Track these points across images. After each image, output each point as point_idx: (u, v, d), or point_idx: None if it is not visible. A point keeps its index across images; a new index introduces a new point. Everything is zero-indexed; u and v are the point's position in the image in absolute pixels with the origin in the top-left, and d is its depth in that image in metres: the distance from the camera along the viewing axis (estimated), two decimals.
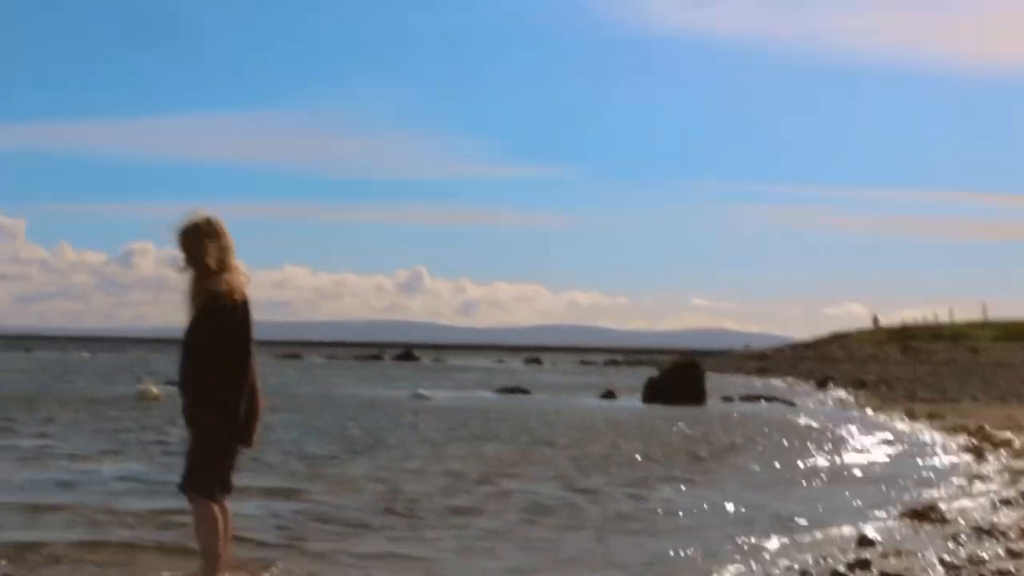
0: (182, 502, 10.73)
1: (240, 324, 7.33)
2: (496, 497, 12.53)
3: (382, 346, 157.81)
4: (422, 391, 35.59)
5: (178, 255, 7.44)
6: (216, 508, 7.45)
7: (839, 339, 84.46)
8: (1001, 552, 8.97)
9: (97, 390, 34.21)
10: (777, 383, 51.26)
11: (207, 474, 7.44)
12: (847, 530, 10.44)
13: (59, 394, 31.36)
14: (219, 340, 7.28)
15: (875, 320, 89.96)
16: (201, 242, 7.37)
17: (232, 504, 10.15)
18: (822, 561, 8.84)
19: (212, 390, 7.30)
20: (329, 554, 9.10)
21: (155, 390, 29.64)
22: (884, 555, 8.96)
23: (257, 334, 7.47)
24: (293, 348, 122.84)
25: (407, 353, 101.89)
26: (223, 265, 7.36)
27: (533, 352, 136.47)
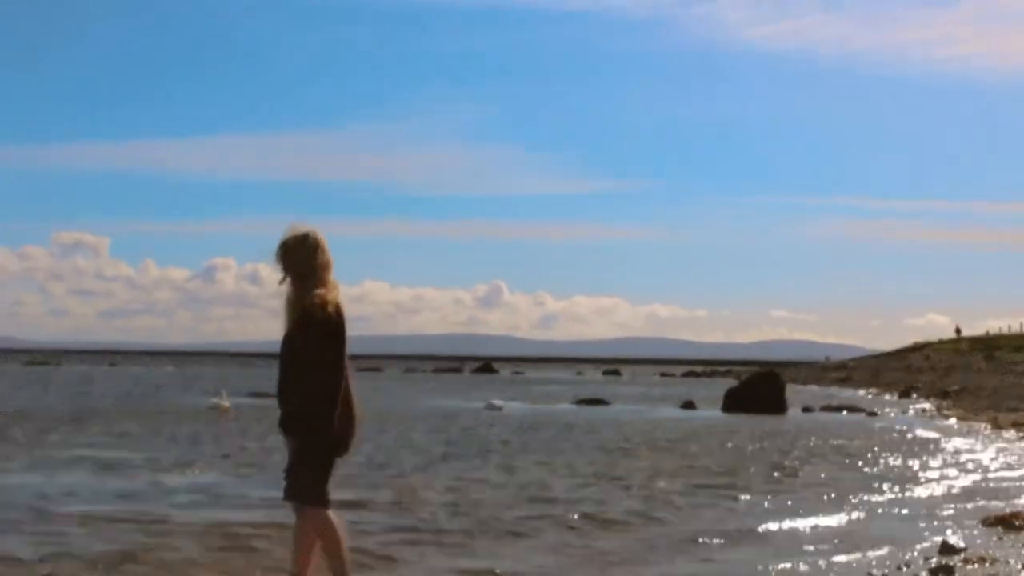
0: (241, 514, 10.82)
1: (334, 337, 7.31)
2: (560, 507, 12.34)
3: (462, 359, 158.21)
4: (495, 402, 35.54)
5: (278, 268, 7.43)
6: (333, 515, 7.47)
7: (921, 349, 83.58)
8: None
9: (173, 403, 34.70)
10: (859, 394, 50.77)
11: (319, 484, 7.43)
12: (930, 537, 10.32)
13: (137, 407, 31.85)
14: (314, 353, 7.28)
15: (957, 330, 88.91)
16: (300, 256, 7.38)
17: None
18: (904, 568, 8.76)
19: (308, 402, 7.30)
20: (393, 567, 9.03)
21: (226, 404, 29.97)
22: (967, 561, 8.86)
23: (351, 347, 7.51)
24: (373, 361, 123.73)
25: (486, 366, 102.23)
26: (321, 280, 7.36)
27: (612, 364, 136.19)
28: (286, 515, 10.77)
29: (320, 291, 7.33)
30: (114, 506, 11.89)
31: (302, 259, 7.37)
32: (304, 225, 7.53)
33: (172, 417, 26.96)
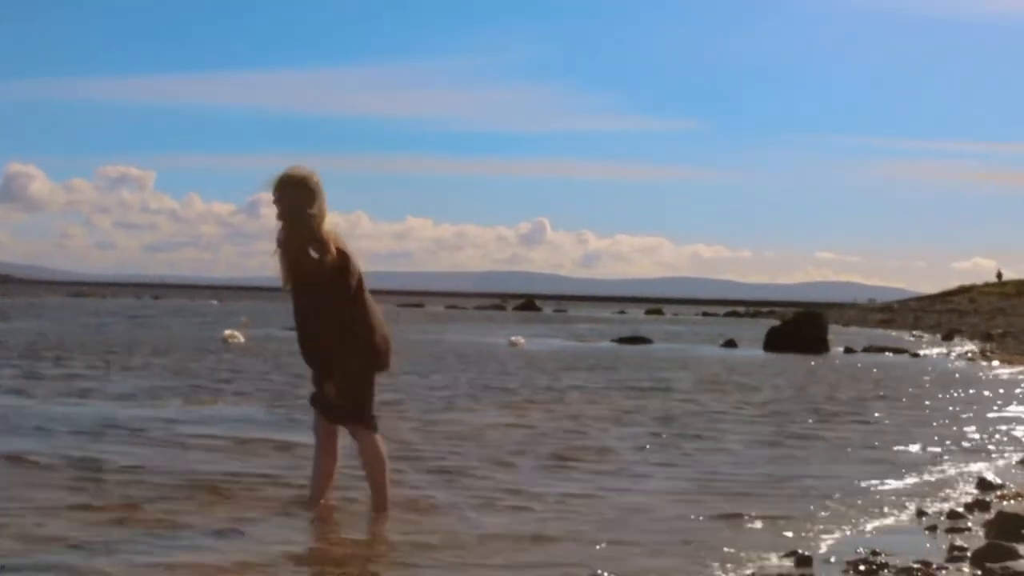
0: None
1: (338, 276, 7.43)
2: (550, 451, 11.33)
3: (504, 296, 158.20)
4: (514, 338, 35.40)
5: (276, 208, 7.49)
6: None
7: (966, 292, 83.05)
8: None
9: (192, 335, 34.99)
10: (902, 335, 50.48)
11: (370, 407, 7.66)
12: (967, 474, 10.29)
13: (153, 338, 32.07)
14: (333, 298, 7.44)
15: (999, 274, 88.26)
16: (299, 197, 7.43)
17: (268, 458, 10.17)
18: (941, 502, 8.74)
19: (329, 339, 7.50)
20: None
21: (238, 336, 29.93)
22: (1003, 497, 8.81)
23: (366, 284, 7.63)
24: (414, 298, 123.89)
25: (528, 303, 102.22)
26: (319, 220, 7.45)
27: (655, 304, 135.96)
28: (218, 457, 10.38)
29: (323, 230, 7.42)
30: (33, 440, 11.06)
31: (299, 199, 7.42)
32: (302, 165, 7.59)
33: (180, 348, 26.91)
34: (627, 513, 8.23)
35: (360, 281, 7.54)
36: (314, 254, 7.36)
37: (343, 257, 7.46)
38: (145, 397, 15.57)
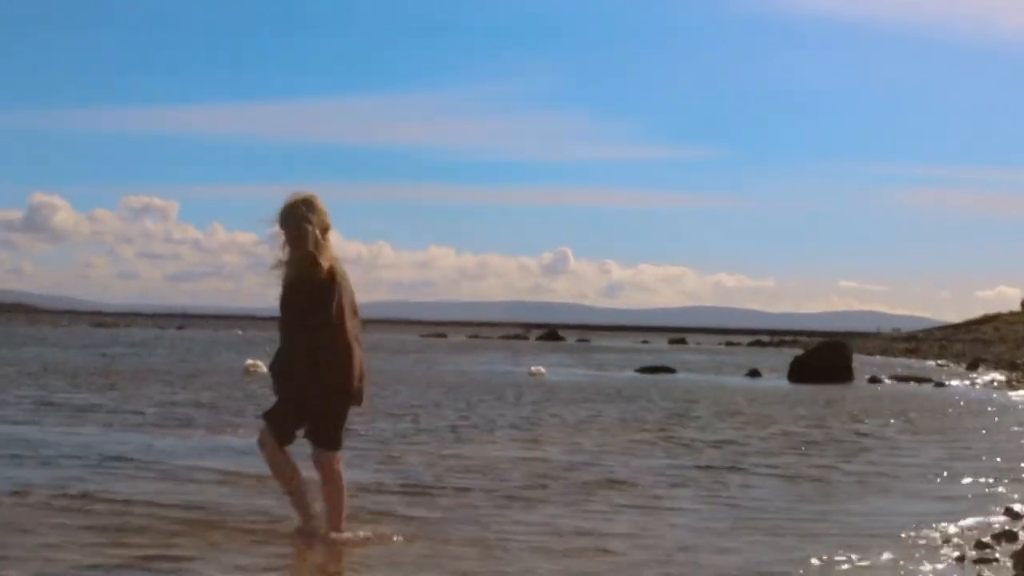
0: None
1: (324, 297, 7.56)
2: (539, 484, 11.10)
3: (527, 326, 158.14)
4: (534, 368, 35.38)
5: (278, 233, 7.74)
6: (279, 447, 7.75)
7: (991, 321, 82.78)
8: None
9: (214, 364, 35.12)
10: (927, 364, 50.26)
11: (282, 426, 7.73)
12: (996, 503, 10.23)
13: (174, 367, 32.08)
14: (305, 313, 7.57)
15: (1023, 303, 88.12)
16: (298, 220, 7.65)
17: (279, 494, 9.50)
18: (967, 531, 8.69)
19: (294, 358, 7.62)
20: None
21: (260, 365, 29.87)
22: None
23: (354, 307, 7.79)
24: (438, 328, 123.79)
25: (552, 333, 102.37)
26: (317, 243, 7.62)
27: (678, 333, 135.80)
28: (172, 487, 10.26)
29: (309, 250, 7.58)
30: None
31: (299, 223, 7.64)
32: (304, 190, 7.84)
33: (200, 377, 27.01)
34: (671, 552, 7.96)
35: (330, 311, 7.60)
36: (295, 267, 7.56)
37: (332, 272, 7.61)
38: (164, 427, 15.49)
